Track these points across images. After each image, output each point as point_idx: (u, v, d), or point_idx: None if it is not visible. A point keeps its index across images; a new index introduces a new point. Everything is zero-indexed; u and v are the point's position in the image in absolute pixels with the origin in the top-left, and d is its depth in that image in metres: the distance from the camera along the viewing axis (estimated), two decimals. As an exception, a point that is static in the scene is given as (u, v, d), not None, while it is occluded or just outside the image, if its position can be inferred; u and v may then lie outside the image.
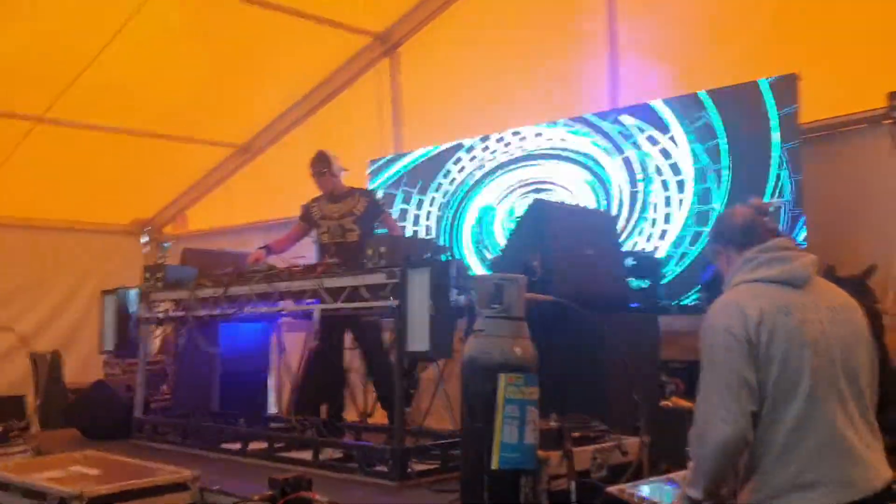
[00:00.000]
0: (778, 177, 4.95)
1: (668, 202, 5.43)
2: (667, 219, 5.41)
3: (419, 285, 3.73)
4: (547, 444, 2.79)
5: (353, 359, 5.50)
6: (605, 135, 5.78)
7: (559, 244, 4.01)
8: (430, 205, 6.78)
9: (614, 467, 2.95)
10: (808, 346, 2.23)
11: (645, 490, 2.61)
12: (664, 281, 5.10)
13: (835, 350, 2.27)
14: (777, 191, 4.95)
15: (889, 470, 2.31)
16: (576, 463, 2.83)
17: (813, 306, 2.30)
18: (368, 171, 7.12)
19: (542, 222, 4.05)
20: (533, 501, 2.55)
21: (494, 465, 2.52)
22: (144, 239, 9.55)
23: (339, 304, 4.21)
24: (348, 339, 5.16)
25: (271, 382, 6.28)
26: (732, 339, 2.22)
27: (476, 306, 2.73)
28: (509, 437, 2.54)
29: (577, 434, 2.93)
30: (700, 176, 5.29)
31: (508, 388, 2.56)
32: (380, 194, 5.56)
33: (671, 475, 2.81)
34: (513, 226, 4.59)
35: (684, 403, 4.62)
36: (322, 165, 5.18)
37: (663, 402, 4.56)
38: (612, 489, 2.64)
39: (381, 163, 7.12)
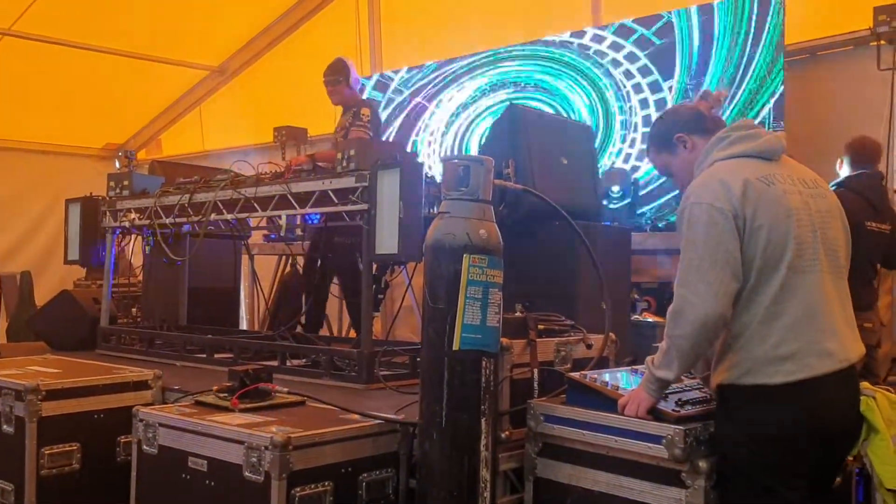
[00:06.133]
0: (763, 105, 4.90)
1: (646, 121, 5.35)
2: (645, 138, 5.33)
3: (388, 187, 3.65)
4: (511, 333, 2.75)
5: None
6: (586, 48, 5.66)
7: (534, 151, 3.92)
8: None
9: (579, 360, 2.91)
10: (792, 214, 2.20)
11: (606, 376, 2.57)
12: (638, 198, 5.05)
13: (815, 220, 2.25)
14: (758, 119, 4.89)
15: (861, 344, 2.30)
16: (539, 353, 2.79)
17: (789, 178, 2.28)
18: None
19: (517, 128, 3.96)
20: (494, 385, 2.50)
21: (455, 345, 2.46)
22: (118, 165, 9.34)
23: (307, 210, 4.13)
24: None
25: (244, 302, 6.18)
26: (717, 213, 2.17)
27: (442, 189, 2.64)
28: (471, 318, 2.47)
29: (542, 326, 2.87)
30: (682, 96, 5.20)
31: (472, 270, 2.49)
32: (368, 110, 5.21)
33: (635, 367, 2.78)
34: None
35: (655, 318, 4.64)
36: (339, 74, 4.92)
37: (634, 317, 4.57)
38: (574, 375, 2.61)
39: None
